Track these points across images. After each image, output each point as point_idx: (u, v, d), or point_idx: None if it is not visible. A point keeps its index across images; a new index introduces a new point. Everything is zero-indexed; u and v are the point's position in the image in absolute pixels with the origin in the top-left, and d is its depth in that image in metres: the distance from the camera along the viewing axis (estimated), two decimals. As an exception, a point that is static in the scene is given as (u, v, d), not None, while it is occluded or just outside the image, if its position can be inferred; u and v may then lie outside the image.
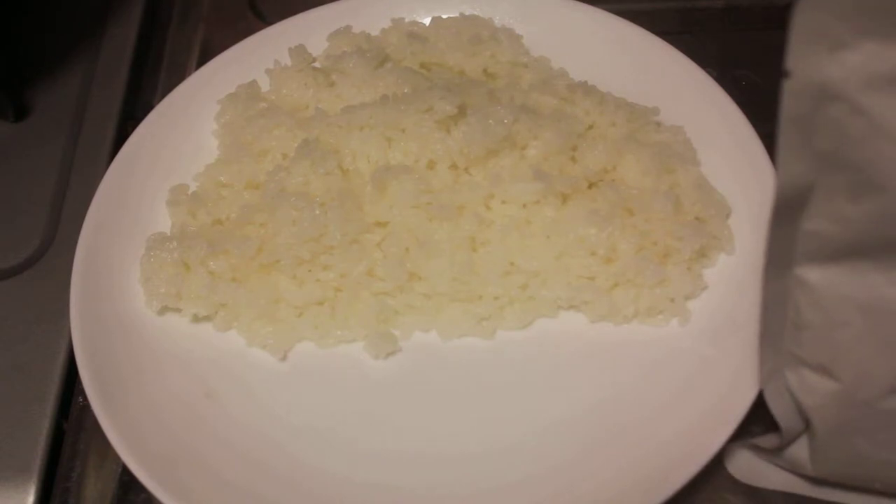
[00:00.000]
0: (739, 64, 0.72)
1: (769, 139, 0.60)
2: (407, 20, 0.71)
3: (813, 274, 0.30)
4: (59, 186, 0.69)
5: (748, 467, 0.50)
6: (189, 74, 0.72)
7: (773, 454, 0.47)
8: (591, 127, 0.63)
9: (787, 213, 0.31)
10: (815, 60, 0.27)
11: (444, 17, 0.71)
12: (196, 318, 0.58)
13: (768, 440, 0.48)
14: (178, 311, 0.58)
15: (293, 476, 0.53)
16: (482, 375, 0.56)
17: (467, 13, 0.71)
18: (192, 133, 0.66)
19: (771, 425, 0.46)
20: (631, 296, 0.56)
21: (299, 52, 0.68)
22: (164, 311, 0.58)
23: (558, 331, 0.58)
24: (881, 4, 0.26)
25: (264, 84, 0.68)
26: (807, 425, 0.41)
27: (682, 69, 0.66)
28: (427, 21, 0.71)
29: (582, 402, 0.54)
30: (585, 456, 0.52)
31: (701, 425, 0.50)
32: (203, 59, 0.73)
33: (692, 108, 0.64)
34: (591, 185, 0.60)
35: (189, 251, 0.57)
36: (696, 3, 0.79)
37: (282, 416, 0.55)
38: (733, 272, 0.58)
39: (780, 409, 0.41)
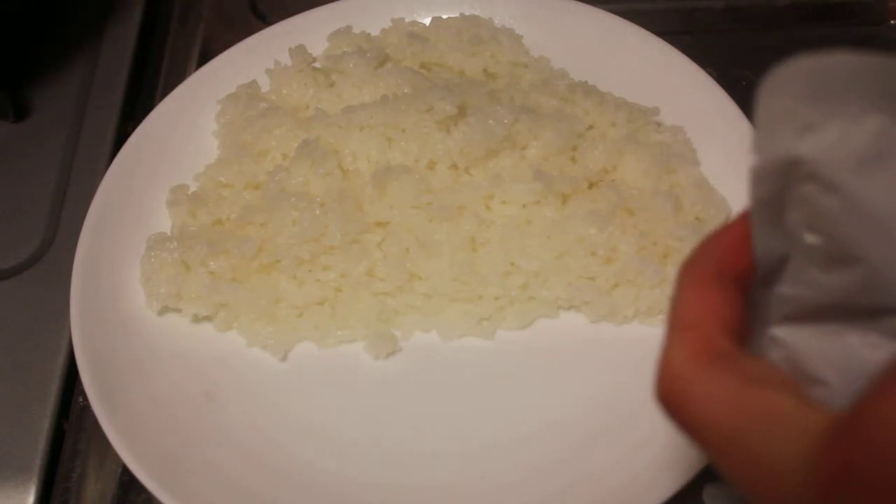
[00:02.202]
0: (739, 64, 0.72)
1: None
2: (407, 20, 0.71)
3: (788, 333, 0.30)
4: (59, 186, 0.68)
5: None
6: (189, 74, 0.72)
7: None
8: (591, 127, 0.63)
9: (762, 280, 0.31)
10: (783, 143, 0.27)
11: (444, 17, 0.71)
12: (196, 318, 0.58)
13: None
14: (179, 311, 0.58)
15: (294, 476, 0.53)
16: (482, 375, 0.56)
17: (467, 13, 0.71)
18: (192, 133, 0.66)
19: None
20: (631, 296, 0.56)
21: (299, 52, 0.68)
22: (164, 311, 0.58)
23: (558, 331, 0.58)
24: (847, 87, 0.26)
25: (264, 84, 0.68)
26: None
27: (682, 69, 0.66)
28: (427, 21, 0.71)
29: (582, 402, 0.54)
30: (586, 455, 0.52)
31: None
32: (203, 59, 0.73)
33: (692, 108, 0.64)
34: (591, 186, 0.60)
35: (189, 251, 0.57)
36: (696, 3, 0.79)
37: (282, 415, 0.55)
38: (733, 272, 0.57)
39: None
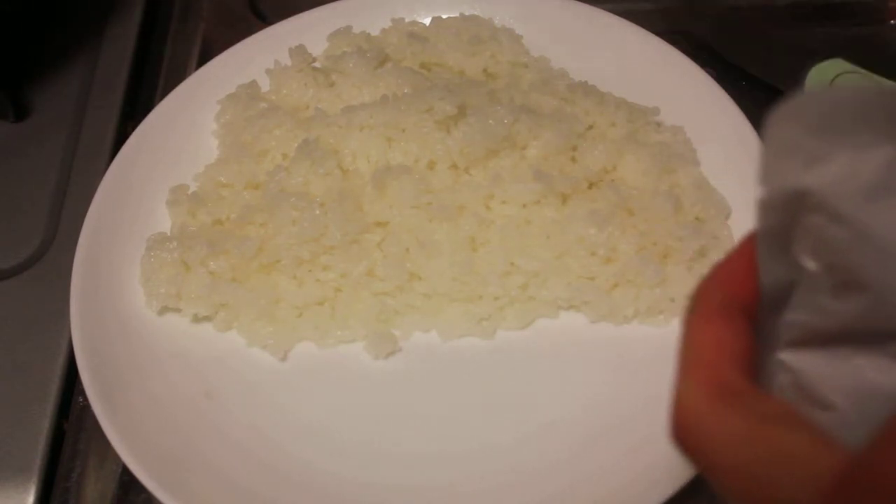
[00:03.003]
0: (739, 64, 0.72)
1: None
2: (407, 20, 0.71)
3: (795, 358, 0.30)
4: (59, 186, 0.69)
5: None
6: (189, 74, 0.72)
7: None
8: (591, 127, 0.63)
9: (768, 307, 0.31)
10: (791, 173, 0.28)
11: (444, 17, 0.71)
12: (196, 318, 0.58)
13: None
14: (178, 311, 0.58)
15: (293, 476, 0.53)
16: (482, 375, 0.56)
17: (467, 13, 0.71)
18: (192, 133, 0.66)
19: None
20: (631, 296, 0.56)
21: (299, 52, 0.68)
22: (164, 311, 0.58)
23: (558, 331, 0.58)
24: (855, 118, 0.27)
25: (264, 84, 0.68)
26: None
27: (682, 69, 0.66)
28: (427, 21, 0.71)
29: (582, 402, 0.54)
30: (586, 455, 0.52)
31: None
32: (203, 59, 0.73)
33: (692, 108, 0.64)
34: (591, 185, 0.60)
35: (189, 251, 0.57)
36: (696, 3, 0.79)
37: (282, 415, 0.55)
38: (733, 272, 0.57)
39: None
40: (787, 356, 0.31)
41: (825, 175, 0.27)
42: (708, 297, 0.31)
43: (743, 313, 0.31)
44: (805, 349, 0.30)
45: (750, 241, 0.31)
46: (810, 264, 0.28)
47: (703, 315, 0.31)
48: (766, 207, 0.29)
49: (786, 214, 0.28)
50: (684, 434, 0.30)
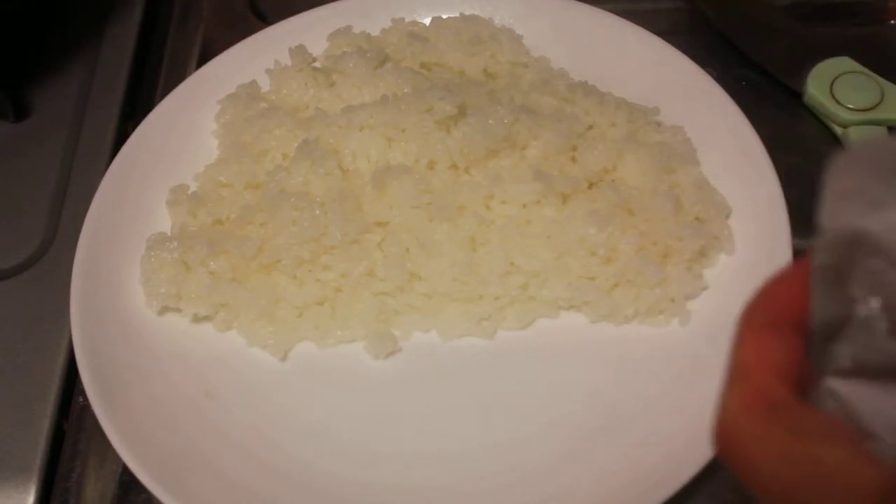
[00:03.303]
0: (739, 64, 0.72)
1: (769, 140, 0.61)
2: (407, 20, 0.71)
3: (844, 386, 0.30)
4: (59, 186, 0.69)
5: None
6: (189, 74, 0.72)
7: None
8: (591, 127, 0.63)
9: (820, 336, 0.31)
10: (851, 217, 0.28)
11: (444, 17, 0.71)
12: (196, 318, 0.58)
13: None
14: (178, 311, 0.58)
15: (293, 476, 0.53)
16: (482, 375, 0.56)
17: (467, 13, 0.71)
18: (192, 133, 0.66)
19: None
20: (631, 296, 0.56)
21: (299, 52, 0.68)
22: (164, 311, 0.58)
23: (558, 331, 0.58)
24: None
25: (264, 84, 0.68)
26: None
27: (682, 69, 0.66)
28: (427, 21, 0.71)
29: (582, 402, 0.54)
30: (586, 455, 0.52)
31: (703, 424, 0.50)
32: (203, 59, 0.73)
33: (692, 108, 0.64)
34: (591, 185, 0.60)
35: (189, 251, 0.57)
36: (696, 3, 0.79)
37: (282, 415, 0.55)
38: (733, 272, 0.58)
39: None
40: (836, 384, 0.30)
41: (886, 221, 0.27)
42: (756, 313, 0.32)
43: (793, 327, 0.31)
44: (855, 379, 0.30)
45: (803, 265, 0.31)
46: (869, 304, 0.29)
47: (750, 329, 0.31)
48: (825, 247, 0.29)
49: (844, 254, 0.28)
50: (727, 445, 0.30)
